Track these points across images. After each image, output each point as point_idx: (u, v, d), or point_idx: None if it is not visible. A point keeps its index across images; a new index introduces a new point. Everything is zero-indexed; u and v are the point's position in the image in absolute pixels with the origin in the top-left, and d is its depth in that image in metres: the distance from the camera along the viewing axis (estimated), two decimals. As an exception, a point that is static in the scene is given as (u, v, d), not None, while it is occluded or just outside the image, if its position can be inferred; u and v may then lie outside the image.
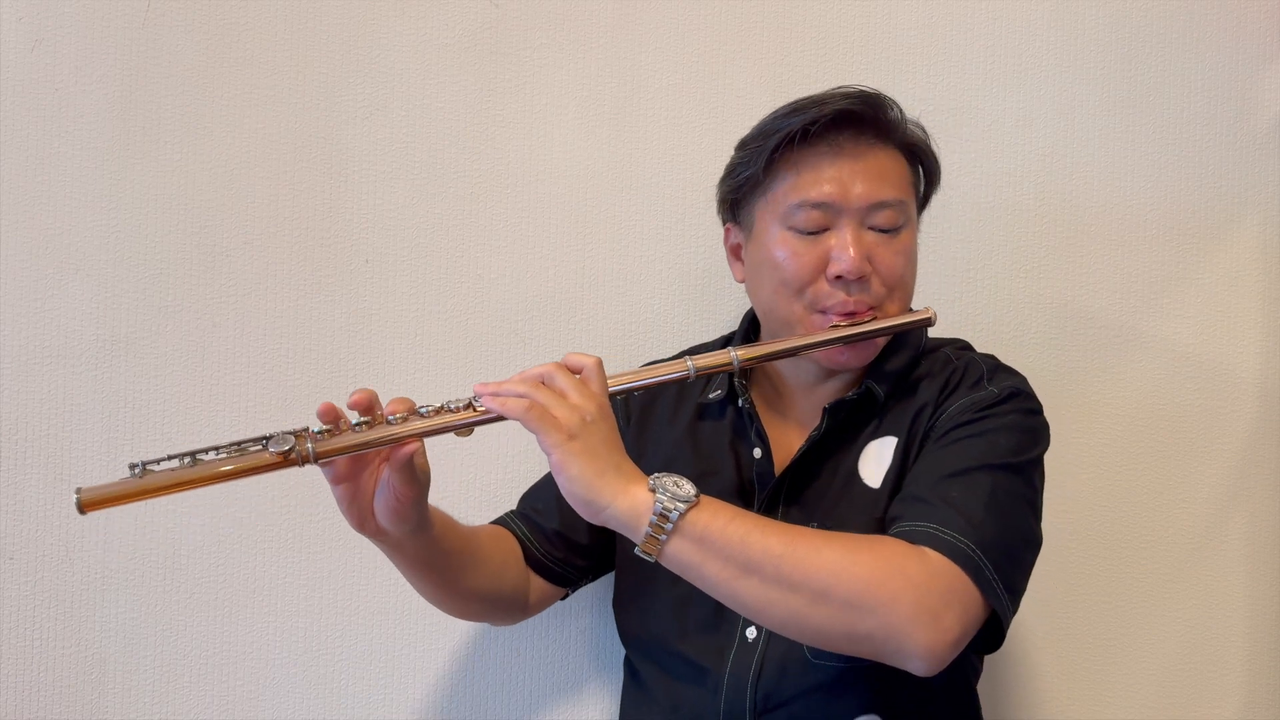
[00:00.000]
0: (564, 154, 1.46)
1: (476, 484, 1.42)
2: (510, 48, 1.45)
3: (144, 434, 1.41)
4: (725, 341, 1.28)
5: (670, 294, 1.46)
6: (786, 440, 1.18)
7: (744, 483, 1.17)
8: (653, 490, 0.96)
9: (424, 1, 1.44)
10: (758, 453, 1.16)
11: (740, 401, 1.19)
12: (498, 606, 1.23)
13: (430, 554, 1.10)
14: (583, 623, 1.45)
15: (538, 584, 1.25)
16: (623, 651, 1.26)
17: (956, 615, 0.96)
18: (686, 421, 1.23)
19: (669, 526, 0.95)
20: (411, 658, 1.43)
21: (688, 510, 0.95)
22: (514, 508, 1.29)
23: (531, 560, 1.24)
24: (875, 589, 0.94)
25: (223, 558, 1.42)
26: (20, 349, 1.40)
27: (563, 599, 1.31)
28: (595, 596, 1.42)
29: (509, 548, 1.23)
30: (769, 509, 1.14)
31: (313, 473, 1.44)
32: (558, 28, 1.45)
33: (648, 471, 1.22)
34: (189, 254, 1.42)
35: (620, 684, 1.28)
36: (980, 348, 1.22)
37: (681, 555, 0.96)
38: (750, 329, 1.24)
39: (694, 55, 1.46)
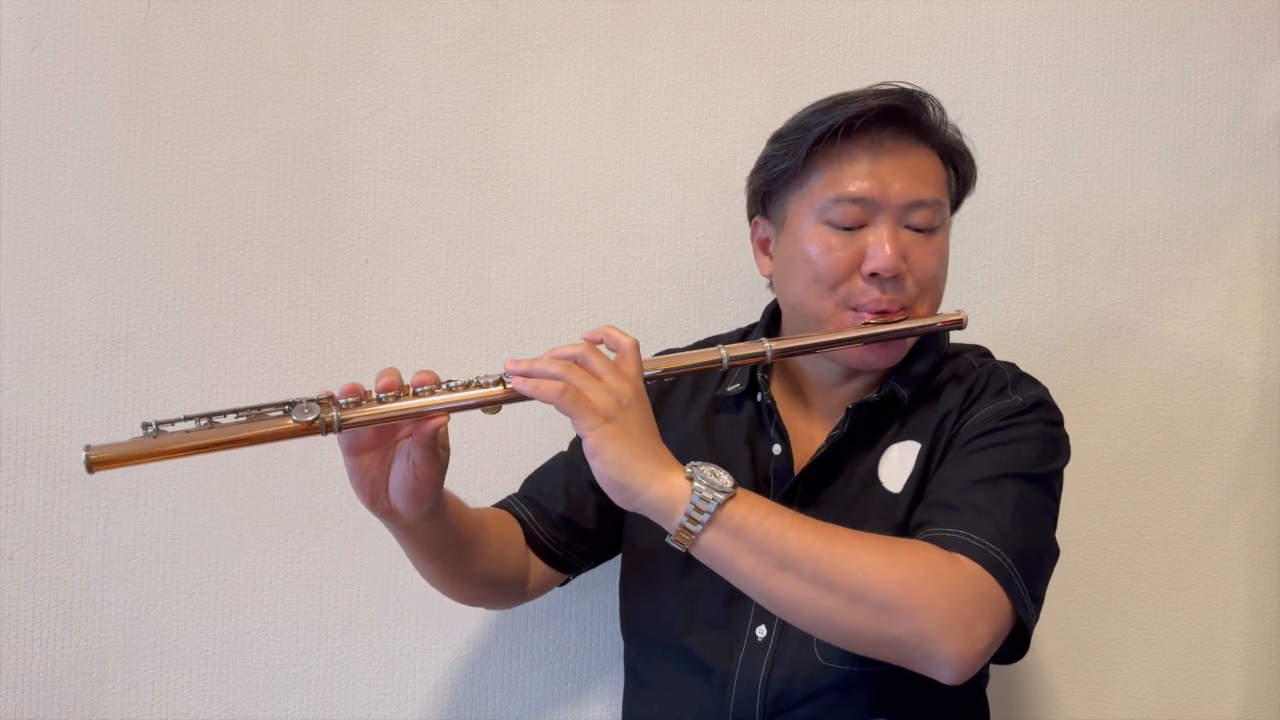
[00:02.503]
0: (564, 154, 1.46)
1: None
2: (510, 48, 1.45)
3: (144, 434, 1.41)
4: (743, 335, 1.28)
5: (670, 294, 1.46)
6: (805, 438, 1.17)
7: (759, 479, 1.16)
8: (690, 479, 0.94)
9: (424, 1, 1.44)
10: (777, 449, 1.16)
11: (760, 396, 1.18)
12: (498, 590, 1.22)
13: (440, 538, 1.09)
14: (585, 623, 1.45)
15: (538, 568, 1.24)
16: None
17: (988, 624, 0.95)
18: (701, 413, 1.22)
19: (704, 517, 0.93)
20: (412, 658, 1.43)
21: (725, 501, 0.94)
22: (517, 490, 1.28)
23: (534, 544, 1.23)
24: (910, 594, 0.93)
25: (223, 558, 1.42)
26: (20, 349, 1.40)
27: (562, 584, 1.29)
28: (597, 597, 1.42)
29: (511, 531, 1.22)
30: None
31: (314, 472, 1.44)
32: (558, 28, 1.45)
33: None
34: (189, 254, 1.42)
35: (621, 685, 1.28)
36: (979, 346, 1.22)
37: (716, 547, 0.94)
38: (771, 323, 1.23)
39: (694, 55, 1.46)
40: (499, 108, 1.45)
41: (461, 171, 1.45)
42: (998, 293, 1.48)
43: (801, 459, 1.15)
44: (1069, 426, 1.13)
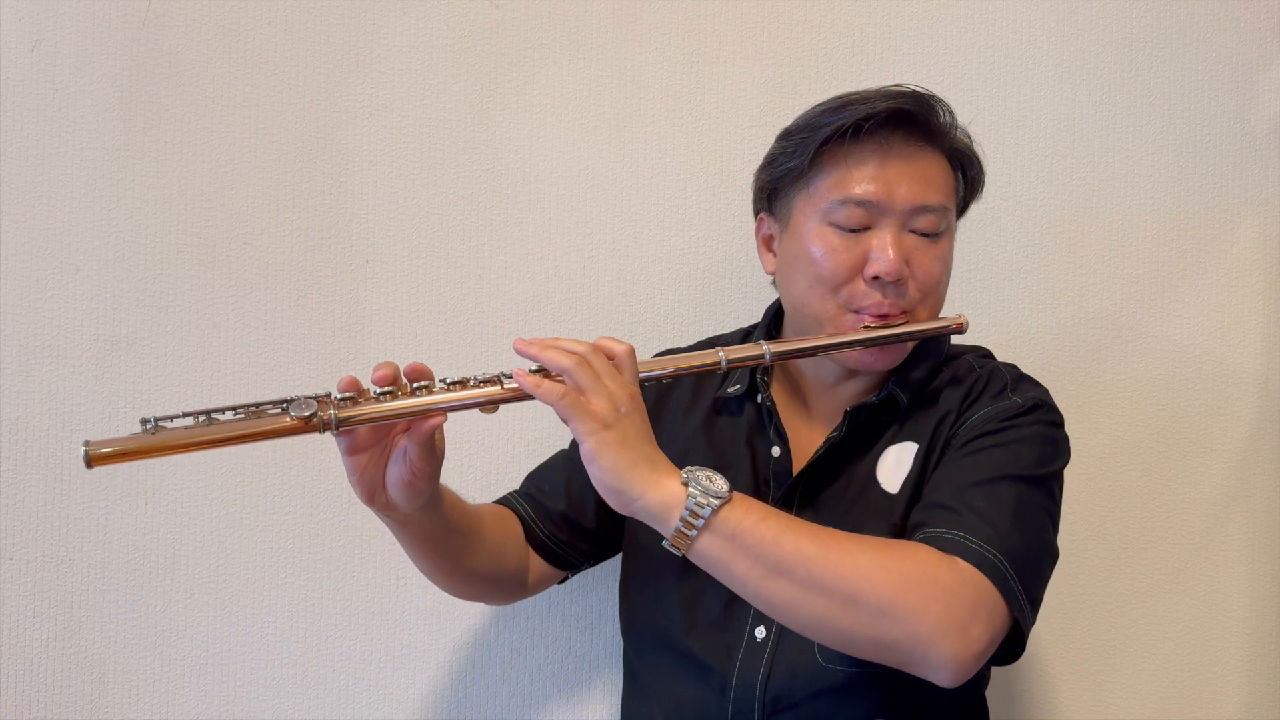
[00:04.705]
0: (564, 154, 1.46)
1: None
2: (510, 48, 1.45)
3: (144, 434, 1.41)
4: (745, 335, 1.28)
5: (671, 293, 1.46)
6: (805, 439, 1.17)
7: (759, 480, 1.16)
8: (685, 484, 0.95)
9: (424, 1, 1.44)
10: (776, 451, 1.16)
11: (760, 398, 1.18)
12: (497, 586, 1.22)
13: (436, 531, 1.09)
14: (584, 623, 1.45)
15: (537, 565, 1.24)
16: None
17: (984, 627, 0.95)
18: (702, 415, 1.22)
19: (700, 523, 0.94)
20: (411, 658, 1.43)
21: (720, 506, 0.94)
22: (518, 488, 1.28)
23: (533, 541, 1.23)
24: (905, 596, 0.93)
25: (223, 558, 1.42)
26: (20, 349, 1.40)
27: (561, 582, 1.29)
28: (597, 597, 1.42)
29: (511, 528, 1.22)
30: (783, 509, 1.12)
31: (314, 472, 1.44)
32: (558, 28, 1.45)
33: None
34: (189, 254, 1.42)
35: (620, 684, 1.27)
36: (981, 347, 1.22)
37: (711, 552, 0.95)
38: (773, 324, 1.23)
39: (694, 55, 1.46)
40: (499, 108, 1.45)
41: (461, 171, 1.45)
42: (998, 293, 1.48)
43: (801, 460, 1.15)
44: (1069, 427, 1.13)
